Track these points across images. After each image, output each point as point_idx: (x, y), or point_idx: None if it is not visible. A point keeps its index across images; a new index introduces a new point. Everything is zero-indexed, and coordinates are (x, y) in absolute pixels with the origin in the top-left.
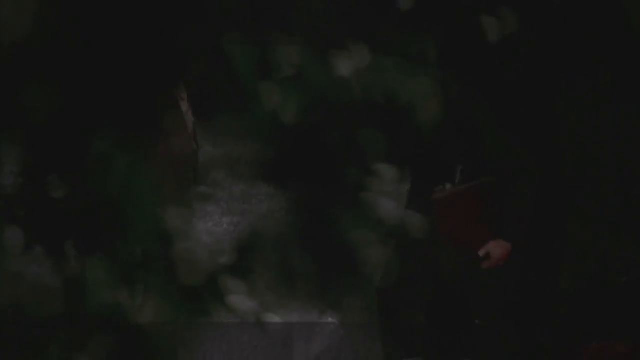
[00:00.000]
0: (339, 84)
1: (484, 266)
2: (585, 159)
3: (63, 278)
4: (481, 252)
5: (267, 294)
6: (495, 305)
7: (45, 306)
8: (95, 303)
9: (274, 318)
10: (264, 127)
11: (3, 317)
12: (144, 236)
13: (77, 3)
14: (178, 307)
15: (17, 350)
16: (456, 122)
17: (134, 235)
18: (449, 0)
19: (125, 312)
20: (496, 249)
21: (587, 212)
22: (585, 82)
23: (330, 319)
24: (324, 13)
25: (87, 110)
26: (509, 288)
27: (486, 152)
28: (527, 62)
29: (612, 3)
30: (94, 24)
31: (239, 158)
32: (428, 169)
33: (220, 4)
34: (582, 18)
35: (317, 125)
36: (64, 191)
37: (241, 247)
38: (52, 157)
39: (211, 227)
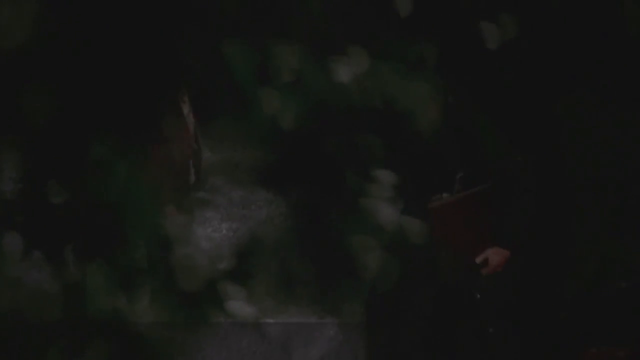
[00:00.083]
0: (338, 89)
1: (482, 272)
2: (584, 164)
3: (62, 283)
4: (478, 259)
5: (266, 299)
6: (496, 310)
7: (44, 311)
8: (94, 308)
9: (273, 323)
10: (263, 133)
11: (3, 322)
12: (143, 242)
13: (76, 8)
14: (177, 312)
15: (17, 355)
16: (455, 127)
17: (133, 240)
18: (448, 6)
19: (125, 317)
20: (494, 255)
21: (586, 218)
22: (584, 86)
23: (329, 324)
24: (323, 18)
25: (87, 116)
26: (508, 294)
27: (485, 157)
28: (526, 68)
29: (612, 7)
30: (93, 28)
31: (238, 163)
32: (426, 174)
33: (219, 9)
34: (582, 23)
35: (316, 130)
36: (63, 197)
37: (240, 252)
38: (52, 163)
39: (210, 232)
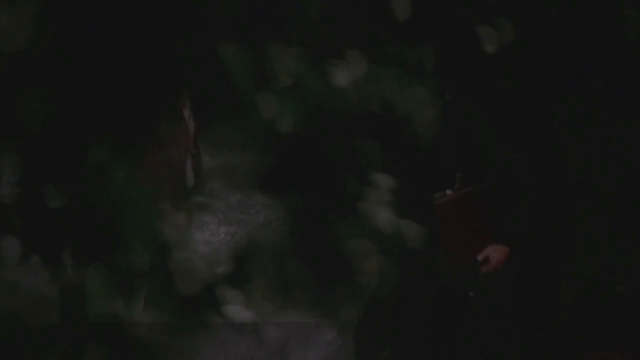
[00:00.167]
0: (336, 93)
1: (482, 270)
2: (582, 167)
3: (60, 287)
4: (480, 257)
5: (264, 303)
6: (495, 310)
7: (42, 315)
8: (92, 312)
9: (271, 327)
10: (261, 137)
11: (1, 326)
12: (142, 246)
13: (74, 12)
14: (175, 316)
15: (15, 359)
16: (454, 130)
17: (131, 244)
18: (446, 10)
19: (123, 321)
20: (494, 253)
21: (584, 222)
22: (583, 89)
23: (327, 328)
24: (321, 23)
25: (85, 119)
26: (507, 294)
27: (484, 157)
28: (525, 71)
29: (611, 12)
30: (92, 32)
31: (236, 168)
32: (424, 177)
33: (217, 13)
34: (580, 27)
35: (314, 134)
36: (61, 201)
37: (238, 256)
38: (50, 167)
39: (208, 236)
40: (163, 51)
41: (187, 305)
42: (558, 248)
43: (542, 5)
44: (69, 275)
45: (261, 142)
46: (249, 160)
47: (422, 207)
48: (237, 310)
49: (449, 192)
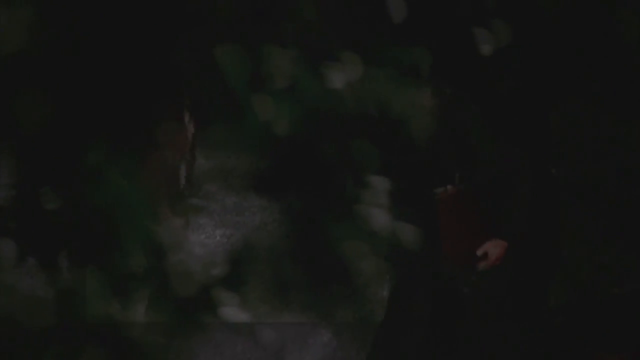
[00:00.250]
0: (332, 95)
1: (481, 266)
2: (579, 167)
3: (56, 289)
4: (479, 252)
5: (260, 305)
6: (492, 310)
7: (38, 317)
8: (88, 314)
9: (267, 329)
10: (257, 139)
11: None
12: (137, 248)
13: (72, 15)
14: (171, 318)
15: None
16: (451, 130)
17: (127, 246)
18: (441, 13)
19: (119, 323)
20: (493, 248)
21: (581, 223)
22: (579, 92)
23: (323, 330)
24: (317, 25)
25: (81, 122)
26: (503, 293)
27: (482, 158)
28: (521, 73)
29: (606, 14)
30: (89, 35)
31: (232, 170)
32: (422, 177)
33: (213, 15)
34: (576, 29)
35: (310, 136)
36: (57, 203)
37: (234, 258)
38: (46, 169)
39: (204, 239)
40: (160, 53)
41: (183, 306)
42: (550, 248)
43: (538, 6)
44: (65, 278)
45: (257, 144)
46: (245, 162)
47: (420, 207)
48: (233, 311)
49: (449, 187)
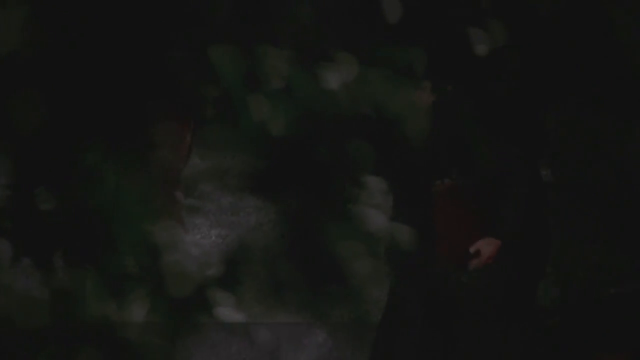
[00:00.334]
0: (327, 96)
1: (473, 264)
2: (574, 167)
3: (51, 290)
4: (472, 249)
5: (255, 305)
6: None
7: (33, 318)
8: (83, 315)
9: (262, 330)
10: (252, 139)
11: None
12: (133, 248)
13: (66, 14)
14: (166, 318)
15: None
16: (447, 131)
17: (122, 247)
18: (437, 13)
19: (114, 324)
20: (486, 246)
21: (578, 224)
22: (574, 90)
23: (318, 330)
24: (312, 25)
25: (76, 122)
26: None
27: (478, 157)
28: (516, 72)
29: (600, 13)
30: (83, 35)
31: (228, 170)
32: (417, 178)
33: (207, 15)
34: (572, 29)
35: (305, 137)
36: (53, 203)
37: (229, 259)
38: (41, 169)
39: (199, 239)
40: (155, 54)
41: (179, 307)
42: (541, 248)
43: (533, 6)
44: (60, 278)
45: (252, 144)
46: (240, 162)
47: (416, 207)
48: (228, 312)
49: (447, 180)
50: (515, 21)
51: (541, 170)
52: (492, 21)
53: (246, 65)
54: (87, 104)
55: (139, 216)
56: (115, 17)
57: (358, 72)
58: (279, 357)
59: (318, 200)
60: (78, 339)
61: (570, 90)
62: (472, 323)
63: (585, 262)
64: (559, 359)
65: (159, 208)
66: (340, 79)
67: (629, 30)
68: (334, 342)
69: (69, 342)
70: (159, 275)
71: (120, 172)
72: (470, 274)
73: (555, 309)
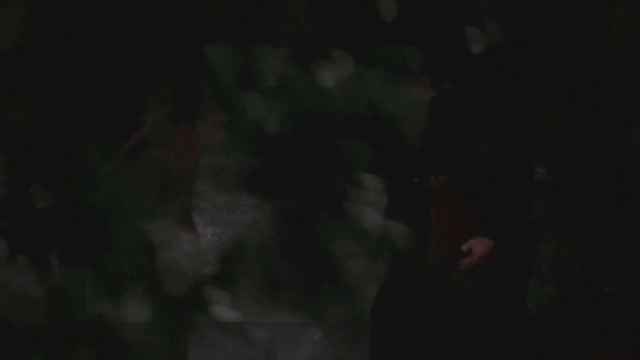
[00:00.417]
0: (322, 94)
1: (464, 262)
2: (571, 166)
3: (47, 288)
4: (464, 247)
5: (250, 304)
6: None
7: (29, 316)
8: (79, 313)
9: (257, 328)
10: (248, 137)
11: None
12: (128, 247)
13: (62, 13)
14: (162, 317)
15: None
16: (443, 129)
17: (117, 245)
18: (433, 11)
19: (109, 322)
20: (478, 245)
21: (573, 222)
22: (570, 89)
23: (313, 329)
24: (308, 23)
25: (72, 120)
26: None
27: (473, 157)
28: (512, 72)
29: (596, 13)
30: (79, 33)
31: (223, 168)
32: (411, 177)
33: (204, 14)
34: (568, 27)
35: (301, 135)
36: (48, 202)
37: (225, 257)
38: (37, 168)
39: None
40: (151, 52)
41: (174, 305)
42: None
43: (530, 5)
44: (55, 276)
45: (248, 142)
46: (236, 160)
47: (411, 205)
48: (224, 310)
49: (441, 177)
50: (512, 20)
51: (538, 169)
52: (488, 20)
53: (242, 64)
54: (84, 102)
55: (134, 214)
56: (112, 16)
57: (354, 71)
58: (275, 356)
59: (313, 198)
60: (74, 338)
61: (568, 89)
62: (464, 320)
63: (581, 261)
64: (555, 357)
65: (155, 206)
66: (336, 78)
67: (626, 28)
68: (330, 341)
69: (65, 341)
70: (155, 274)
71: (116, 170)
72: (462, 272)
73: (552, 308)
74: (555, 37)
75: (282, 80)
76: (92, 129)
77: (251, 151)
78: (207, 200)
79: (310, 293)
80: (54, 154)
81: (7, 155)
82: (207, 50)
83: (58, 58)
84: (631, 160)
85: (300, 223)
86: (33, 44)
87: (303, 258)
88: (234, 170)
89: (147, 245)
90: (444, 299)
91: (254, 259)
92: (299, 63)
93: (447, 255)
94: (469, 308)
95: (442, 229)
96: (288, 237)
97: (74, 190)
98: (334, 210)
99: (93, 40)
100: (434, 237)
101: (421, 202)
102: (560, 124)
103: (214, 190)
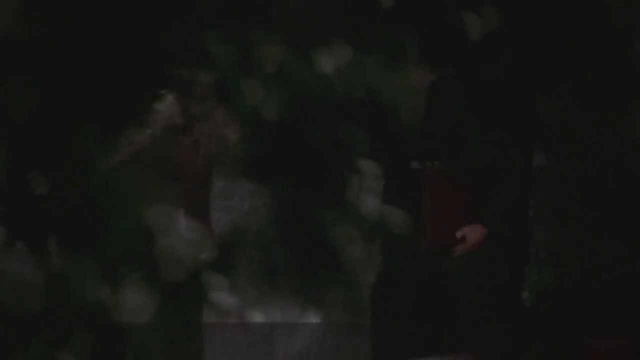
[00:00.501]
0: (320, 80)
1: (458, 250)
2: (569, 155)
3: (45, 275)
4: (458, 234)
5: (249, 289)
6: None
7: (27, 303)
8: (77, 300)
9: (255, 314)
10: (246, 124)
11: None
12: (126, 233)
13: (60, 0)
14: (160, 303)
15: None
16: (440, 116)
17: (116, 231)
18: None
19: (108, 308)
20: (472, 233)
21: (572, 210)
22: (568, 78)
23: (312, 316)
24: (306, 10)
25: (70, 107)
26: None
27: (469, 144)
28: (510, 58)
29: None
30: (77, 21)
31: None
32: (408, 163)
33: (203, 1)
34: (565, 13)
35: (299, 121)
36: (47, 188)
37: (223, 243)
38: (35, 154)
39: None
40: (150, 39)
41: (173, 291)
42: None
43: None
44: (54, 262)
45: (246, 129)
46: (234, 147)
47: (408, 191)
48: (222, 296)
49: (437, 163)
50: (510, 6)
51: (536, 156)
52: (486, 6)
53: (240, 51)
54: (82, 89)
55: (132, 200)
56: (111, 3)
57: (352, 57)
58: (273, 341)
59: (311, 184)
60: (72, 324)
61: (566, 75)
62: (460, 308)
63: (579, 248)
64: (552, 343)
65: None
66: (334, 64)
67: (625, 16)
68: (328, 327)
69: (63, 327)
70: (153, 260)
71: (114, 156)
72: (457, 260)
73: (549, 294)
74: (553, 23)
75: (280, 66)
76: (90, 116)
77: (249, 137)
78: None
79: (308, 278)
80: (52, 141)
81: (5, 142)
82: (206, 37)
83: (56, 44)
84: (630, 146)
85: (298, 209)
86: (30, 30)
87: (301, 244)
88: (232, 156)
89: (146, 231)
90: (439, 286)
91: (252, 245)
92: (297, 49)
93: (440, 242)
94: (465, 296)
95: (436, 215)
96: (286, 223)
97: (72, 177)
98: (332, 196)
99: (91, 26)
100: (427, 223)
101: (418, 188)
102: (559, 110)
103: (212, 176)
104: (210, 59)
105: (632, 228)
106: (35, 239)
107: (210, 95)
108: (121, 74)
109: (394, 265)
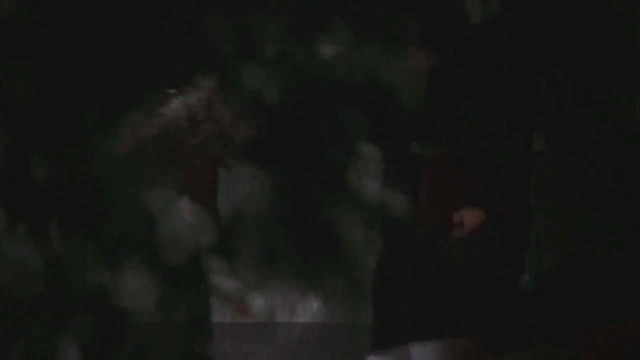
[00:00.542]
0: (321, 64)
1: (456, 234)
2: (568, 139)
3: (46, 258)
4: (456, 218)
5: (249, 273)
6: (477, 281)
7: (28, 286)
8: (77, 283)
9: (255, 298)
10: (247, 108)
11: None
12: (127, 216)
13: None
14: (160, 286)
15: (1, 329)
16: (440, 100)
17: (116, 215)
18: None
19: (108, 292)
20: (470, 217)
21: (572, 194)
22: (569, 64)
23: (312, 299)
24: None
25: (70, 91)
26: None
27: (469, 128)
28: (510, 43)
29: None
30: (78, 4)
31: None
32: (407, 146)
33: None
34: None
35: (299, 105)
36: (47, 171)
37: (224, 227)
38: (36, 138)
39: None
40: (151, 23)
41: (173, 274)
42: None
43: None
44: (54, 246)
45: (246, 112)
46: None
47: (407, 174)
48: (222, 280)
49: (436, 146)
50: None
51: (536, 140)
52: None
53: (241, 34)
54: (83, 72)
55: (133, 184)
56: None
57: (352, 41)
58: (274, 324)
59: (312, 168)
60: (73, 307)
61: (566, 60)
62: (460, 292)
63: (578, 232)
64: (552, 327)
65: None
66: (335, 48)
67: (626, 1)
68: (328, 311)
69: (64, 310)
70: (154, 244)
71: (115, 140)
72: (456, 244)
73: (549, 278)
74: (553, 6)
75: (280, 50)
76: (90, 100)
77: (250, 121)
78: None
79: (308, 262)
80: (53, 125)
81: (6, 126)
82: (207, 21)
83: (57, 28)
84: (630, 130)
85: (298, 193)
86: (31, 13)
87: (301, 228)
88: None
89: (146, 215)
90: (437, 270)
91: (253, 229)
92: (297, 34)
93: (437, 225)
94: (464, 280)
95: (434, 199)
96: (286, 207)
97: (72, 160)
98: (332, 180)
99: (92, 10)
100: (425, 206)
101: (417, 171)
102: (559, 94)
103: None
104: (211, 43)
105: (632, 211)
106: (36, 223)
107: (214, 85)
108: (121, 58)
109: (393, 247)
